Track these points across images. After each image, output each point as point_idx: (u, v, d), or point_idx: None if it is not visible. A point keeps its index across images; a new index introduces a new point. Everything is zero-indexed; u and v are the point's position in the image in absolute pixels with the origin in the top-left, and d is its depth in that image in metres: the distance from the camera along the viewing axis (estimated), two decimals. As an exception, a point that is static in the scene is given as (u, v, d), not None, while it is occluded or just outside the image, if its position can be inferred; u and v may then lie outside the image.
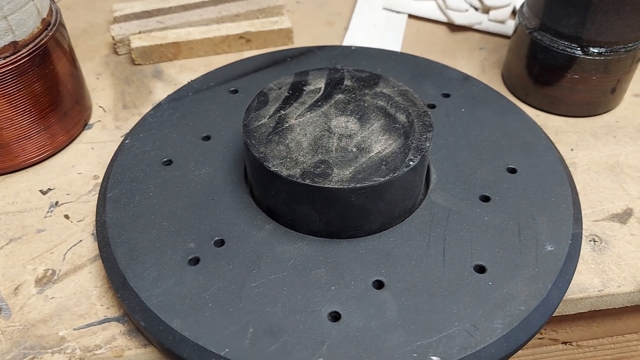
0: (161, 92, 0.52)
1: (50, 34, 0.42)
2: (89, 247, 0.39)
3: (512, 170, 0.40)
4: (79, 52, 0.56)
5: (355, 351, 0.30)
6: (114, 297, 0.36)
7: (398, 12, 0.61)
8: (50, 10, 0.43)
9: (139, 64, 0.54)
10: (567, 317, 0.41)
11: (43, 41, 0.41)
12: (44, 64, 0.42)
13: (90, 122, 0.49)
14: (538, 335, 0.42)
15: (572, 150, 0.46)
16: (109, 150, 0.46)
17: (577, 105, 0.48)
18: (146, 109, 0.50)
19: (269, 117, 0.37)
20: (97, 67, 0.55)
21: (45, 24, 0.42)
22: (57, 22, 0.43)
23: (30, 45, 0.41)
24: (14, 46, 0.40)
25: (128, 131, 0.47)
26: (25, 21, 0.40)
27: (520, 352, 0.43)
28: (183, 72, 0.54)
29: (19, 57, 0.40)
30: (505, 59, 0.52)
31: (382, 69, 0.48)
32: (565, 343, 0.43)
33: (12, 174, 0.44)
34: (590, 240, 0.39)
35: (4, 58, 0.39)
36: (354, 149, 0.35)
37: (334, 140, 0.36)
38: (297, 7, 0.63)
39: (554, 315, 0.35)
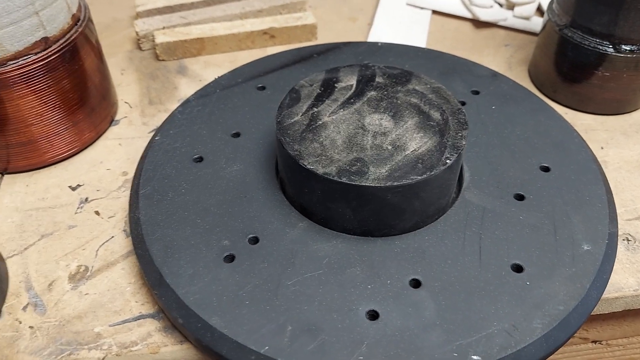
0: (186, 87, 0.51)
1: (79, 29, 0.42)
2: (121, 243, 0.39)
3: (546, 169, 0.39)
4: (103, 47, 0.56)
5: (394, 350, 0.30)
6: (149, 294, 0.36)
7: (422, 8, 0.60)
8: (80, 5, 0.43)
9: (162, 60, 0.54)
10: (599, 316, 0.40)
11: (73, 37, 0.41)
12: (74, 60, 0.42)
13: (117, 118, 0.49)
14: (568, 335, 0.42)
15: (602, 148, 0.45)
16: (137, 146, 0.46)
17: (607, 103, 0.47)
18: (172, 104, 0.50)
19: (302, 115, 0.37)
20: (121, 62, 0.54)
21: (75, 20, 0.42)
22: (86, 17, 0.43)
23: (61, 41, 0.40)
24: (45, 42, 0.39)
25: (155, 127, 0.47)
26: (56, 17, 0.40)
27: (549, 351, 0.43)
28: (207, 68, 0.54)
29: (50, 53, 0.40)
30: (533, 55, 0.52)
31: (409, 65, 0.48)
32: (595, 342, 0.43)
33: (41, 170, 0.44)
34: (624, 240, 0.39)
35: (35, 54, 0.39)
36: (389, 147, 0.35)
37: (369, 138, 0.35)
38: (319, 3, 0.63)
39: (587, 314, 0.35)
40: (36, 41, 0.39)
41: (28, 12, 0.37)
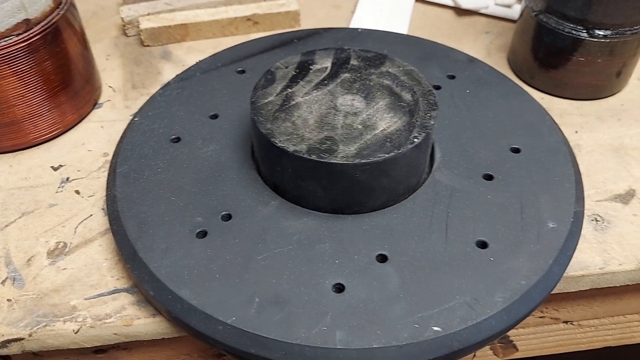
0: (169, 72, 0.52)
1: (61, 12, 0.43)
2: (99, 221, 0.40)
3: (516, 150, 0.40)
4: (89, 34, 0.56)
5: (357, 321, 0.31)
6: (124, 269, 0.37)
7: (405, -5, 0.61)
8: (62, -11, 0.44)
9: (147, 46, 0.55)
10: (569, 295, 0.41)
11: (54, 20, 0.42)
12: (55, 42, 0.43)
13: (100, 101, 0.49)
14: (539, 314, 0.43)
15: (576, 132, 0.46)
16: (119, 128, 0.47)
17: (582, 88, 0.48)
18: (155, 89, 0.50)
19: (276, 95, 0.38)
20: (106, 48, 0.55)
21: (57, 3, 0.43)
22: (68, 1, 0.44)
23: (42, 24, 0.41)
24: (27, 24, 0.40)
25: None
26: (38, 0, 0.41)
27: (521, 330, 0.44)
28: (191, 54, 0.54)
29: (31, 35, 0.40)
30: (511, 42, 0.52)
31: (388, 50, 0.49)
32: (566, 322, 0.44)
33: (24, 151, 0.45)
34: (592, 220, 0.39)
35: (17, 35, 0.40)
36: (360, 126, 0.36)
37: (340, 118, 0.36)
38: (304, -9, 0.63)
39: (555, 293, 0.36)
40: (17, 23, 0.40)
41: (8, -6, 0.38)
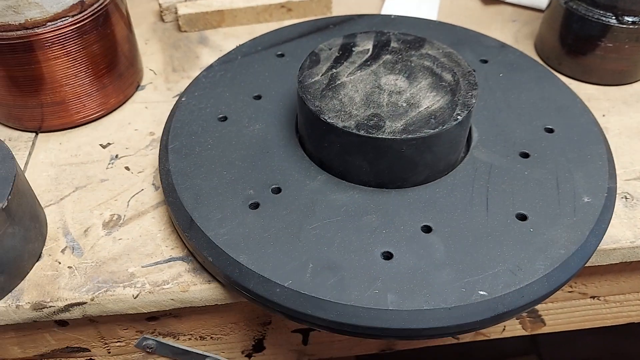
0: (207, 57, 0.54)
1: (112, -5, 0.44)
2: (151, 195, 0.42)
3: (550, 130, 0.42)
4: (127, 19, 0.58)
5: (407, 286, 0.32)
6: (178, 240, 0.39)
7: (433, -16, 0.62)
8: (111, -27, 0.46)
9: (184, 31, 0.57)
10: (597, 270, 0.43)
11: (105, 3, 0.44)
12: (105, 25, 0.44)
13: (142, 83, 0.51)
14: (568, 289, 0.44)
15: (603, 116, 0.48)
16: (162, 109, 0.48)
17: (609, 73, 0.50)
18: (194, 72, 0.52)
19: (322, 75, 0.40)
20: (145, 33, 0.57)
21: (108, -14, 0.44)
22: (117, -15, 0.46)
23: (95, 6, 0.43)
24: (81, 5, 0.42)
25: (179, 92, 0.50)
26: (91, -18, 0.42)
27: (549, 304, 0.46)
28: (227, 39, 0.56)
29: (84, 17, 0.42)
30: (539, 29, 0.54)
31: (422, 36, 0.50)
32: (593, 297, 0.46)
33: (72, 130, 0.47)
34: (622, 197, 0.41)
35: (72, 17, 0.42)
36: (404, 104, 0.37)
37: (385, 96, 0.38)
38: (334, -20, 0.65)
39: (586, 266, 0.38)
40: (73, 4, 0.41)
41: (66, -24, 0.40)
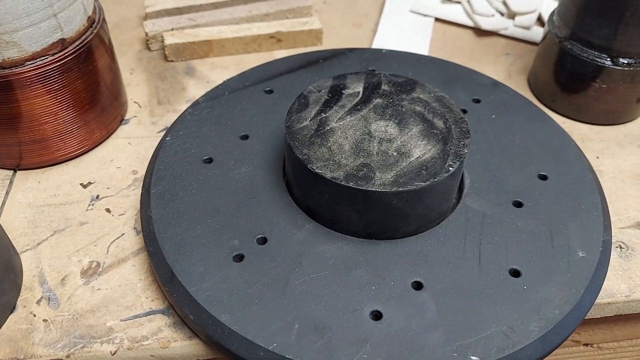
0: (194, 89, 0.53)
1: (95, 31, 0.43)
2: (132, 240, 0.40)
3: (543, 177, 0.41)
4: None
5: (397, 349, 0.31)
6: (158, 290, 0.37)
7: (425, 15, 0.61)
8: (95, 7, 0.44)
9: (171, 60, 0.55)
10: (591, 320, 0.42)
11: (88, 39, 0.42)
12: (88, 61, 0.43)
13: (127, 117, 0.50)
14: (561, 337, 0.43)
15: (597, 158, 0.47)
16: (146, 145, 0.47)
17: (603, 113, 0.49)
18: (180, 105, 0.51)
19: (311, 120, 0.38)
20: (130, 62, 0.56)
21: (91, 22, 0.43)
22: (101, 19, 0.44)
23: (77, 43, 0.42)
24: (62, 43, 0.41)
25: (164, 127, 0.49)
26: (73, 19, 0.41)
27: (542, 352, 0.45)
28: (214, 70, 0.55)
29: (66, 54, 0.41)
30: (532, 65, 0.53)
31: (413, 72, 0.49)
32: (586, 345, 0.45)
33: (53, 167, 0.45)
34: (617, 247, 0.40)
35: (52, 55, 0.40)
36: (395, 153, 0.36)
37: (375, 144, 0.37)
38: (324, 8, 0.64)
39: (581, 318, 0.37)
40: (53, 42, 0.40)
41: (47, 14, 0.38)
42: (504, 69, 0.56)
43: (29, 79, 0.40)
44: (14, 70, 0.39)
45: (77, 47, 0.41)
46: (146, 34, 0.56)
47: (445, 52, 0.57)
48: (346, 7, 0.64)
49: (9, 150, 0.44)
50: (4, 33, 0.37)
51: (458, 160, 0.36)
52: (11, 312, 0.36)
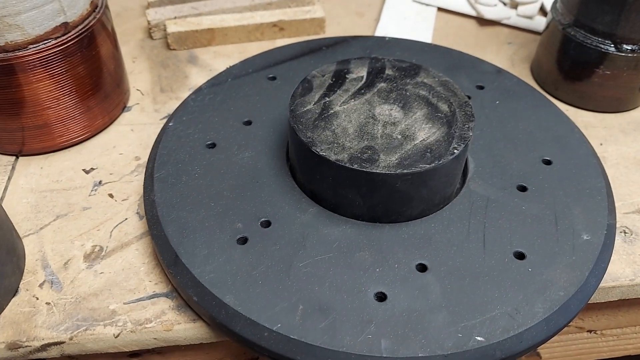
0: (196, 77, 0.52)
1: (97, 16, 0.43)
2: (135, 225, 0.40)
3: (547, 162, 0.41)
4: (114, 35, 0.57)
5: (402, 330, 0.31)
6: (162, 274, 0.37)
7: (428, 4, 0.61)
8: (97, -7, 0.44)
9: (174, 49, 0.55)
10: (595, 305, 0.42)
11: (91, 23, 0.42)
12: (90, 46, 0.43)
13: (129, 104, 0.50)
14: (565, 323, 0.43)
15: (601, 144, 0.47)
16: (149, 132, 0.47)
17: (606, 101, 0.49)
18: (183, 93, 0.51)
19: (314, 104, 0.38)
20: (132, 50, 0.55)
21: (94, 7, 0.43)
22: (104, 4, 0.44)
23: (79, 27, 0.41)
24: (65, 27, 0.40)
25: (166, 114, 0.49)
26: (77, 3, 0.41)
27: (546, 339, 0.44)
28: (217, 58, 0.55)
29: (68, 38, 0.41)
30: (535, 53, 0.53)
31: (416, 60, 0.49)
32: (590, 331, 0.45)
33: (55, 153, 0.45)
34: (621, 232, 0.40)
35: (55, 39, 0.40)
36: (399, 136, 0.36)
37: (379, 127, 0.37)
38: (327, -3, 0.64)
39: (585, 303, 0.37)
40: (56, 26, 0.40)
41: (49, -3, 0.38)
42: (506, 58, 0.56)
43: (32, 62, 0.40)
44: (17, 53, 0.39)
45: (79, 32, 0.41)
46: (148, 22, 0.55)
47: (448, 42, 0.57)
48: (348, -4, 0.64)
49: (11, 135, 0.43)
50: (7, 15, 0.37)
51: (463, 143, 0.36)
52: (14, 295, 0.36)
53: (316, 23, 0.57)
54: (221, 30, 0.55)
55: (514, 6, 0.60)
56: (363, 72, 0.41)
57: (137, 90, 0.51)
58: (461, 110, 0.38)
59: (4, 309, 0.35)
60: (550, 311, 0.32)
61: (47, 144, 0.45)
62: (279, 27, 0.56)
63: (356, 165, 0.34)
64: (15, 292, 0.36)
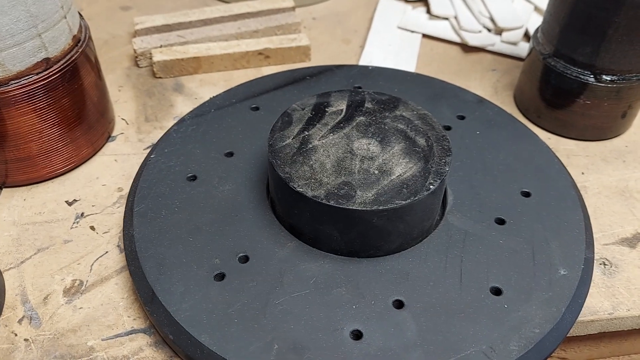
0: (182, 105, 0.53)
1: (80, 50, 0.43)
2: (115, 258, 0.40)
3: (526, 194, 0.41)
4: (101, 63, 0.57)
5: (376, 369, 0.31)
6: (140, 309, 0.37)
7: (412, 31, 0.62)
8: (80, 26, 0.44)
9: (159, 77, 0.56)
10: (576, 338, 0.42)
11: (74, 57, 0.42)
12: (74, 79, 0.43)
13: (113, 134, 0.50)
14: (547, 354, 0.43)
15: (582, 173, 0.47)
16: (132, 162, 0.47)
17: (588, 129, 0.49)
18: (168, 122, 0.51)
19: (293, 138, 0.38)
20: (118, 79, 0.56)
21: (76, 40, 0.43)
22: (87, 37, 0.44)
23: (62, 62, 0.42)
24: (47, 62, 0.41)
25: (151, 144, 0.49)
26: (58, 38, 0.41)
27: (529, 369, 0.44)
28: (203, 86, 0.55)
29: (50, 73, 0.41)
30: (518, 81, 0.54)
31: (399, 89, 0.50)
32: (572, 362, 0.45)
33: (38, 184, 0.45)
34: (600, 264, 0.40)
35: (37, 74, 0.40)
36: (376, 171, 0.36)
37: (357, 162, 0.37)
38: (313, 24, 0.64)
39: (564, 336, 0.37)
40: (38, 62, 0.40)
41: (31, 35, 0.39)
42: (490, 85, 0.56)
43: (14, 97, 0.40)
44: (-1, 89, 0.39)
45: (62, 66, 0.42)
46: (135, 50, 0.56)
47: (432, 68, 0.58)
48: (335, 23, 0.64)
49: (-6, 168, 0.44)
50: (-12, 53, 0.38)
51: (439, 179, 0.36)
52: (-8, 331, 0.36)
53: (302, 51, 0.57)
54: (207, 58, 0.55)
55: (498, 32, 0.60)
56: (343, 105, 0.41)
57: (122, 119, 0.51)
58: (438, 145, 0.38)
59: (-19, 346, 0.35)
60: (526, 349, 0.32)
61: (31, 176, 0.45)
62: (264, 55, 0.57)
63: (333, 202, 0.34)
64: (-7, 328, 0.36)
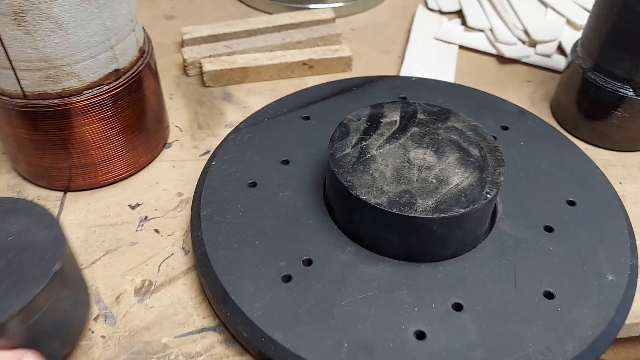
0: (231, 114, 0.55)
1: (145, 61, 0.45)
2: (181, 260, 0.42)
3: (572, 203, 0.43)
4: (151, 72, 0.59)
5: (441, 367, 0.33)
6: (209, 308, 0.39)
7: (449, 42, 0.64)
8: (145, 39, 0.47)
9: (208, 86, 0.58)
10: (617, 339, 0.44)
11: (140, 69, 0.45)
12: (138, 89, 0.45)
13: (169, 141, 0.52)
14: (588, 356, 0.45)
15: (620, 183, 0.49)
16: (189, 168, 0.49)
17: (625, 141, 0.51)
18: (219, 129, 0.53)
19: (352, 147, 0.41)
20: (169, 87, 0.58)
21: (141, 52, 0.45)
22: (150, 49, 0.47)
23: (129, 73, 0.44)
24: (117, 73, 0.43)
25: (205, 150, 0.51)
26: (127, 50, 0.43)
27: (569, 370, 0.46)
28: (250, 95, 0.57)
29: (119, 84, 0.43)
30: (555, 92, 0.56)
31: (443, 100, 0.52)
32: (611, 364, 0.46)
33: (100, 189, 0.48)
34: (642, 270, 0.42)
35: (107, 84, 0.43)
36: (434, 180, 0.38)
37: (414, 172, 0.39)
38: (352, 35, 0.66)
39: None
40: (109, 72, 0.42)
41: (105, 47, 0.41)
42: (527, 96, 0.58)
43: (85, 107, 0.42)
44: (72, 99, 0.41)
45: (129, 77, 0.44)
46: (184, 60, 0.58)
47: (470, 79, 0.60)
48: (373, 34, 0.66)
49: (60, 173, 0.46)
50: (65, 65, 0.40)
51: (495, 188, 0.38)
52: (85, 324, 0.37)
53: (344, 61, 0.59)
54: (254, 68, 0.58)
55: (533, 45, 0.62)
56: (396, 117, 0.43)
57: (176, 126, 0.53)
58: (492, 155, 0.40)
59: (77, 337, 0.36)
60: (580, 350, 0.34)
61: (94, 181, 0.47)
62: (308, 66, 0.59)
63: (395, 209, 0.36)
64: (86, 321, 0.38)
